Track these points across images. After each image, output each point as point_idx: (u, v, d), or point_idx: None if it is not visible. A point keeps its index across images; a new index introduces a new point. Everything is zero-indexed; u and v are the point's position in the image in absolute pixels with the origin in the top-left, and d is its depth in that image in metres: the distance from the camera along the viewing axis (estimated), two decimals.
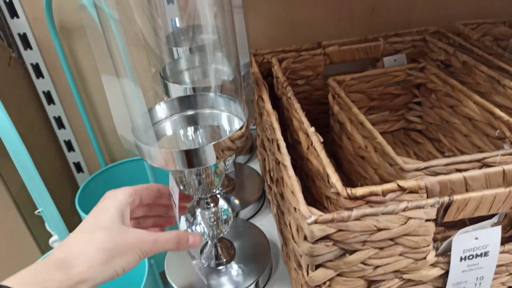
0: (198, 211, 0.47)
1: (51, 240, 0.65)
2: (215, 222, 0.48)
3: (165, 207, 0.46)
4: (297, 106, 0.50)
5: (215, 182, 0.45)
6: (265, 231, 0.59)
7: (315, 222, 0.32)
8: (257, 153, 0.75)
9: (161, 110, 0.44)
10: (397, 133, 0.70)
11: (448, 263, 0.37)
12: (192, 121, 0.45)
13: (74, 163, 0.94)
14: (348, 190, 0.36)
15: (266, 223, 0.62)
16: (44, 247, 0.72)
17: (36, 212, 0.63)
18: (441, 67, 0.64)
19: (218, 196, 0.49)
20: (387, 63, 0.67)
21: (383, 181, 0.48)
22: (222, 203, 0.49)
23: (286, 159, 0.40)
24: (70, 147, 0.91)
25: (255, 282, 0.50)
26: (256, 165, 0.75)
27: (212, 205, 0.47)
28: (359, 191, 0.35)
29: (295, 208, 0.36)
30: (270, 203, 0.62)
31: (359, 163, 0.55)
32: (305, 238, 0.34)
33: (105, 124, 0.91)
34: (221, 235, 0.50)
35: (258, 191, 0.66)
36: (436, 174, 0.42)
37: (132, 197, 0.39)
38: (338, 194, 0.37)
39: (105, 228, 0.35)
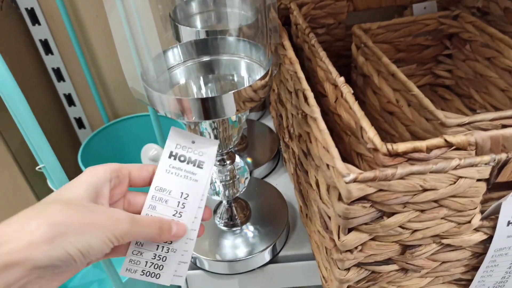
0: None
1: None
2: (231, 181, 0.44)
3: None
4: (322, 54, 0.45)
5: (233, 137, 0.41)
6: (281, 191, 0.56)
7: (354, 180, 0.28)
8: (270, 109, 0.70)
9: (173, 55, 0.39)
10: (422, 89, 0.65)
11: (493, 227, 0.34)
12: (209, 68, 0.40)
13: (75, 118, 0.89)
14: (388, 145, 0.32)
15: (281, 183, 0.59)
16: None
17: (37, 168, 0.60)
18: (477, 15, 0.58)
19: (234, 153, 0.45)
20: (417, 10, 0.61)
21: (416, 138, 0.44)
22: (238, 160, 0.45)
23: (316, 111, 0.36)
24: (70, 101, 0.87)
25: (272, 245, 0.47)
26: (268, 122, 0.70)
27: (228, 162, 0.43)
28: (401, 146, 0.31)
29: (328, 165, 0.32)
30: (286, 161, 0.58)
31: (386, 119, 0.50)
32: (340, 198, 0.31)
33: (107, 78, 0.85)
34: (237, 194, 0.46)
35: (272, 150, 0.62)
36: (481, 130, 0.38)
37: (115, 173, 0.32)
38: (375, 150, 0.33)
39: (65, 202, 0.28)
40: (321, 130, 0.34)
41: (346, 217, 0.31)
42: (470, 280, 0.39)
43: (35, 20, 0.72)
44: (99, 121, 0.90)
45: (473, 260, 0.37)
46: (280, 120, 0.59)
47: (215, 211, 0.51)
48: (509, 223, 0.33)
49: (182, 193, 0.34)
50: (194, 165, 0.35)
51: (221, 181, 0.44)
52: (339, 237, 0.33)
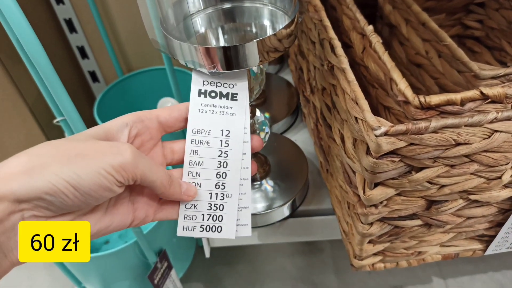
0: None
1: None
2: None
3: None
4: (349, 1, 0.42)
5: (255, 89, 0.40)
6: (300, 146, 0.55)
7: (385, 134, 0.27)
8: (289, 62, 0.68)
9: (193, 1, 0.37)
10: None
11: None
12: (230, 16, 0.38)
13: (89, 72, 0.88)
14: (421, 98, 0.30)
15: (301, 138, 0.58)
16: None
17: (55, 121, 0.59)
18: None
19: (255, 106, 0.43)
20: None
21: (445, 92, 0.42)
22: (259, 114, 0.44)
23: (344, 61, 0.34)
24: (83, 54, 0.85)
25: (291, 200, 0.47)
26: (287, 76, 0.68)
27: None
28: (434, 99, 0.30)
29: (356, 118, 0.30)
30: (306, 117, 0.57)
31: (412, 73, 0.48)
32: (368, 152, 0.30)
33: (120, 30, 0.83)
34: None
35: (291, 104, 0.61)
36: None
37: (136, 117, 0.29)
38: (406, 103, 0.31)
39: (65, 139, 0.26)
40: (350, 81, 0.32)
41: (374, 172, 0.30)
42: (493, 236, 0.39)
43: None
44: (113, 74, 0.89)
45: (498, 216, 0.37)
46: (301, 73, 0.57)
47: None
48: None
49: (222, 130, 0.31)
50: (227, 99, 0.32)
51: None
52: (364, 192, 0.32)
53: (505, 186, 0.33)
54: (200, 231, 0.30)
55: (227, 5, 0.38)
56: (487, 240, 0.40)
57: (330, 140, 0.43)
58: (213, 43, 0.38)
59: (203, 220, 0.30)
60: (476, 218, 0.36)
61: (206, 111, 0.31)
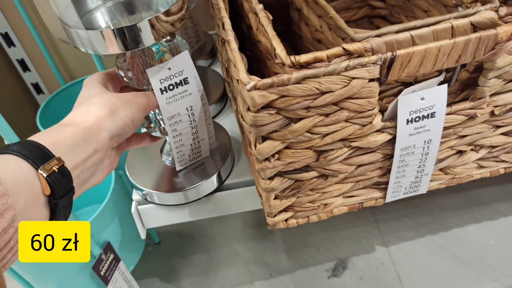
0: None
1: None
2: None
3: None
4: None
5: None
6: (228, 129, 0.59)
7: (255, 88, 0.31)
8: (217, 55, 0.72)
9: None
10: (360, 21, 0.67)
11: (395, 127, 0.37)
12: (129, 7, 0.41)
13: (32, 84, 0.89)
14: (292, 58, 0.34)
15: (229, 122, 0.61)
16: None
17: None
18: None
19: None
20: None
21: None
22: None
23: (229, 34, 0.38)
24: (24, 67, 0.87)
25: (216, 173, 0.50)
26: (218, 68, 0.72)
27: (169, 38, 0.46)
28: (303, 57, 0.34)
29: (237, 81, 0.34)
30: (231, 101, 0.61)
31: (316, 48, 0.53)
32: (249, 109, 0.34)
33: (58, 40, 0.85)
34: None
35: (219, 91, 0.64)
36: None
37: (108, 72, 0.41)
38: (283, 64, 0.35)
39: (97, 94, 0.36)
40: (232, 49, 0.36)
41: (256, 125, 0.34)
42: (388, 183, 0.43)
43: None
44: (56, 85, 0.90)
45: (385, 162, 0.41)
46: (222, 61, 0.61)
47: (161, 151, 0.53)
48: (408, 121, 0.37)
49: (187, 108, 0.42)
50: (182, 85, 0.41)
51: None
52: (255, 147, 0.36)
53: (380, 131, 0.38)
54: (189, 161, 0.49)
55: None
56: (384, 187, 0.44)
57: (238, 114, 0.46)
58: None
59: (190, 158, 0.49)
60: (366, 165, 0.41)
61: (171, 101, 0.41)
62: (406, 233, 0.80)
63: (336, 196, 0.43)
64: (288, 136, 0.35)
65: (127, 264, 0.67)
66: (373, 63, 0.32)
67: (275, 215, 0.43)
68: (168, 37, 0.55)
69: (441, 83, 0.36)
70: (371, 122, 0.36)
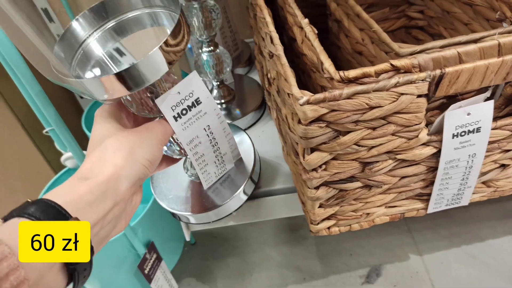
0: None
1: (62, 158, 0.68)
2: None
3: None
4: (290, 0, 0.48)
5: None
6: (266, 137, 0.61)
7: (308, 102, 0.33)
8: (255, 63, 0.74)
9: (74, 33, 0.36)
10: (398, 32, 0.68)
11: (441, 141, 0.38)
12: (119, 32, 0.37)
13: None
14: (341, 73, 0.36)
15: (267, 129, 0.63)
16: (56, 166, 0.76)
17: (44, 131, 0.65)
18: None
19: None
20: None
21: None
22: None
23: (279, 49, 0.40)
24: None
25: (243, 185, 0.48)
26: (255, 76, 0.74)
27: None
28: (352, 73, 0.35)
29: (288, 94, 0.36)
30: (270, 109, 0.63)
31: (357, 60, 0.54)
32: (299, 122, 0.35)
33: None
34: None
35: (258, 99, 0.66)
36: None
37: (120, 103, 0.36)
38: (331, 79, 0.37)
39: (111, 135, 0.33)
40: (282, 64, 0.38)
41: (306, 137, 0.35)
42: (430, 195, 0.44)
43: None
44: None
45: (429, 174, 0.42)
46: (263, 70, 0.63)
47: (184, 166, 0.53)
48: (453, 135, 0.38)
49: (204, 129, 0.40)
50: (195, 106, 0.38)
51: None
52: (304, 158, 0.38)
53: (425, 144, 0.39)
54: (215, 177, 0.47)
55: (111, 23, 0.37)
56: (426, 199, 0.45)
57: (283, 123, 0.48)
58: (109, 69, 0.36)
59: (215, 174, 0.47)
60: (409, 177, 0.42)
61: (187, 126, 0.38)
62: (439, 242, 0.80)
63: (378, 206, 0.44)
64: (336, 148, 0.36)
65: (167, 264, 0.70)
66: (422, 80, 0.33)
67: (318, 223, 0.44)
68: (211, 47, 0.58)
69: (486, 98, 0.37)
70: (417, 136, 0.37)
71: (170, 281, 0.69)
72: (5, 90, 0.68)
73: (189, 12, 0.54)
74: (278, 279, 0.78)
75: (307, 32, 0.42)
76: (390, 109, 0.34)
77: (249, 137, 0.55)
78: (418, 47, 0.41)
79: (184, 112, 0.37)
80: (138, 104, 0.37)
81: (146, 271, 0.62)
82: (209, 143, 0.42)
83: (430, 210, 0.46)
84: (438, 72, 0.33)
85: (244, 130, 0.59)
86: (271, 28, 0.43)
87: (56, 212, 0.26)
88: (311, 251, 0.82)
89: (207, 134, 0.41)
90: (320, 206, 0.43)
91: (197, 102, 0.38)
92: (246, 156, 0.51)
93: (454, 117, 0.36)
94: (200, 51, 0.59)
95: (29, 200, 0.27)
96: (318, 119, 0.34)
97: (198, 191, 0.50)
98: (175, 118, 0.37)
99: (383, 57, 0.45)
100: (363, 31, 0.49)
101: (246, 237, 0.87)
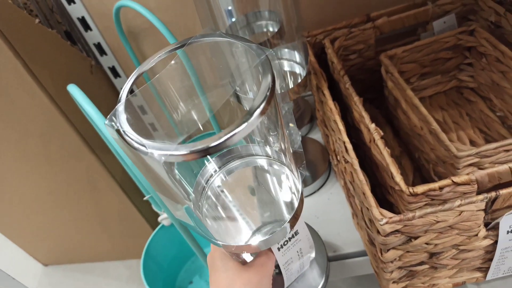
0: None
1: (160, 218, 0.81)
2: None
3: None
4: (356, 99, 0.56)
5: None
6: (334, 200, 0.69)
7: (386, 223, 0.42)
8: (317, 123, 0.82)
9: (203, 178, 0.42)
10: (449, 92, 0.74)
11: (497, 235, 0.46)
12: (242, 176, 0.43)
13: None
14: (410, 189, 0.44)
15: (335, 191, 0.72)
16: (155, 225, 0.89)
17: (144, 198, 0.78)
18: (492, 27, 0.65)
19: None
20: (437, 27, 0.69)
21: (440, 160, 0.55)
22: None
23: (355, 163, 0.48)
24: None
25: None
26: (316, 135, 0.82)
27: None
28: (419, 189, 0.44)
29: (367, 208, 0.45)
30: (337, 174, 0.71)
31: (415, 137, 0.61)
32: (378, 232, 0.44)
33: None
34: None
35: (324, 162, 0.75)
36: (487, 157, 0.48)
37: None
38: (401, 191, 0.45)
39: (237, 278, 0.38)
40: (360, 181, 0.47)
41: (384, 244, 0.44)
42: (488, 268, 0.52)
43: (116, 74, 0.88)
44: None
45: (487, 255, 0.50)
46: (328, 138, 0.71)
47: None
48: (507, 231, 0.45)
49: (297, 251, 0.47)
50: (293, 237, 0.44)
51: None
52: (382, 254, 0.47)
53: (484, 237, 0.46)
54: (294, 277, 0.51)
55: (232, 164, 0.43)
56: (485, 269, 0.53)
57: (356, 206, 0.57)
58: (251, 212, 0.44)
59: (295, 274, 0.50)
60: (470, 258, 0.49)
61: (285, 252, 0.44)
62: None
63: (443, 278, 0.52)
64: (409, 248, 0.45)
65: None
66: (480, 201, 0.41)
67: None
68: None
69: None
70: (476, 235, 0.45)
71: None
72: (107, 160, 0.80)
73: None
74: None
75: (375, 139, 0.51)
76: (454, 222, 0.42)
77: (319, 237, 0.60)
78: (474, 150, 0.48)
79: (285, 243, 0.44)
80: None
81: None
82: (297, 259, 0.48)
83: (489, 277, 0.53)
84: (493, 194, 0.41)
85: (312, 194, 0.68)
86: (345, 138, 0.52)
87: None
88: None
89: (298, 254, 0.47)
90: (393, 282, 0.52)
91: (296, 233, 0.44)
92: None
93: (508, 220, 0.44)
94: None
95: None
96: (394, 231, 0.43)
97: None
98: (278, 249, 0.43)
99: (442, 151, 0.53)
100: (422, 121, 0.56)
101: None
